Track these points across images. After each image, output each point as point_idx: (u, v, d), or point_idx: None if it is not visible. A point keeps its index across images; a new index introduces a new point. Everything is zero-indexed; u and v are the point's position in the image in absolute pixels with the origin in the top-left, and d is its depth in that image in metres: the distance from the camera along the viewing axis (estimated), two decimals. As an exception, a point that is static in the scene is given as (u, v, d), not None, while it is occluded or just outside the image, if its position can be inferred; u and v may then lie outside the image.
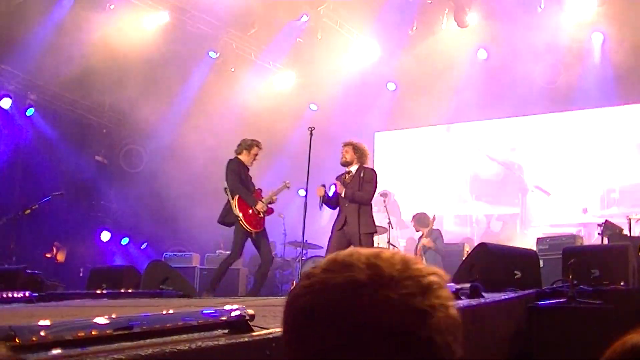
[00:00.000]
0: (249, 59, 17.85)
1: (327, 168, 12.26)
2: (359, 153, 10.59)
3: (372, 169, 10.80)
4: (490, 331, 5.48)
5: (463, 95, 16.97)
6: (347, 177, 10.51)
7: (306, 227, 11.06)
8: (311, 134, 10.54)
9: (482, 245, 8.19)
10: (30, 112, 16.19)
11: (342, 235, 10.26)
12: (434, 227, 14.42)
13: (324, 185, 10.42)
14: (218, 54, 17.42)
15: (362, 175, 10.42)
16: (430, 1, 16.62)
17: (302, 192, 13.51)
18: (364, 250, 1.40)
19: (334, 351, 1.29)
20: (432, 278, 1.37)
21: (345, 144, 10.69)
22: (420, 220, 14.57)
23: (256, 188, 11.24)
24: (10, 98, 15.61)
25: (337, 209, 10.56)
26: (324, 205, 10.54)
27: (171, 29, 16.20)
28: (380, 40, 17.31)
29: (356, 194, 10.26)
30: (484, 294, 5.71)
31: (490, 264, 7.39)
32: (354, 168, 10.55)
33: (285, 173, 14.39)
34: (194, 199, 16.72)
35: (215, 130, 16.86)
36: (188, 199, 16.96)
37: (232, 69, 17.80)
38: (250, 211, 10.83)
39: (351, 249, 1.46)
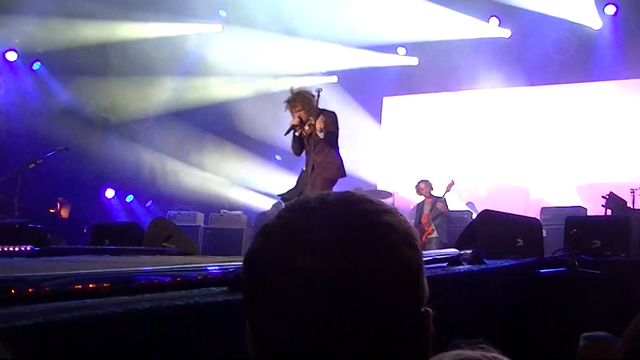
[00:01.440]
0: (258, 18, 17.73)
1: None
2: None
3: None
4: (490, 297, 5.49)
5: (473, 62, 16.89)
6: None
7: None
8: (319, 96, 10.35)
9: (485, 212, 8.17)
10: (36, 66, 16.17)
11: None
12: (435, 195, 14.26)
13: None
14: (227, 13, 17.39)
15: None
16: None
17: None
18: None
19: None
20: None
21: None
22: (428, 185, 14.36)
23: None
24: (16, 52, 15.59)
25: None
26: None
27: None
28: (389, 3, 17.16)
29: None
30: (485, 260, 5.71)
31: (493, 231, 7.38)
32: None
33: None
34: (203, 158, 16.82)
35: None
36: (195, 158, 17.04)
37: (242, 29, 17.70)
38: None
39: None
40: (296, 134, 9.53)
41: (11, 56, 15.66)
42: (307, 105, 9.39)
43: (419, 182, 14.49)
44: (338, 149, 9.71)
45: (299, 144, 9.58)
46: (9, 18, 15.07)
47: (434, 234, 13.64)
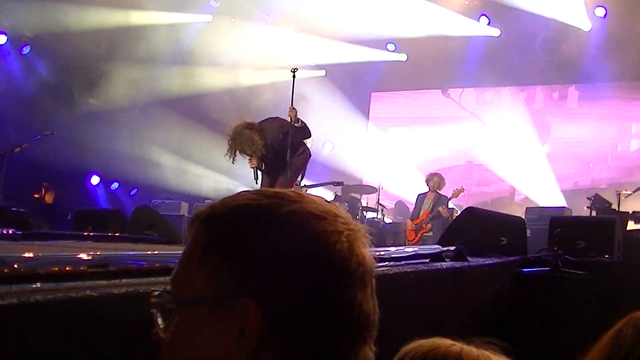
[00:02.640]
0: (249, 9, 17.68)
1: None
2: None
3: None
4: (473, 295, 5.48)
5: (462, 60, 16.94)
6: None
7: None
8: (294, 76, 10.37)
9: (469, 209, 8.16)
10: (26, 50, 16.09)
11: None
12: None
13: None
14: (218, 3, 17.34)
15: None
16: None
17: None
18: None
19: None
20: None
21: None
22: (441, 180, 13.67)
23: None
24: (6, 35, 15.50)
25: None
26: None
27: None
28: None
29: None
30: (468, 258, 5.69)
31: (477, 228, 7.35)
32: None
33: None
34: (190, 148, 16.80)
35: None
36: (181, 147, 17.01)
37: (232, 20, 17.65)
38: None
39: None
40: (259, 168, 9.97)
41: (0, 39, 15.56)
42: (248, 144, 9.59)
43: (433, 175, 13.83)
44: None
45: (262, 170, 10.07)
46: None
47: (430, 233, 13.18)
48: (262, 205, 1.32)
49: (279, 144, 9.75)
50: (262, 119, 10.11)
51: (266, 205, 1.32)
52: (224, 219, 1.33)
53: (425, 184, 13.82)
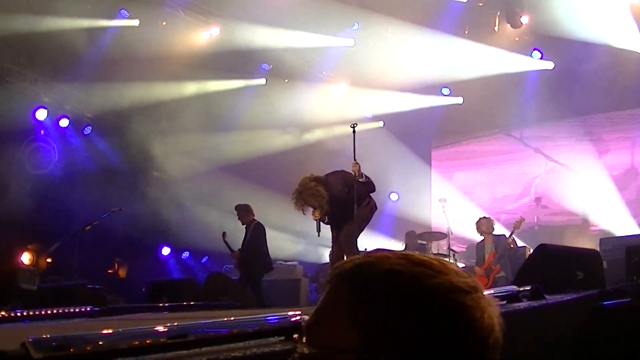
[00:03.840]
0: (301, 69, 17.88)
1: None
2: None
3: None
4: (552, 332, 5.39)
5: (518, 97, 16.85)
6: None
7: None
8: (354, 131, 10.41)
9: (541, 246, 8.03)
10: (87, 130, 16.49)
11: None
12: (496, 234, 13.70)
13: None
14: (270, 65, 17.56)
15: None
16: (481, 4, 16.54)
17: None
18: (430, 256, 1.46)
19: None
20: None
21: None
22: (490, 222, 13.75)
23: None
24: (68, 118, 15.91)
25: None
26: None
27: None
28: (431, 44, 17.17)
29: None
30: (545, 295, 5.60)
31: (550, 265, 7.24)
32: None
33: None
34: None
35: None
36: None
37: (286, 80, 17.85)
38: None
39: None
40: (322, 221, 10.08)
41: (63, 122, 15.98)
42: (313, 198, 9.73)
43: (480, 219, 13.90)
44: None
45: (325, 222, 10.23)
46: (60, 86, 15.44)
47: (502, 273, 13.10)
48: (413, 274, 1.38)
49: (343, 196, 9.80)
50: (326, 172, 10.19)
51: (416, 274, 1.38)
52: (376, 280, 1.39)
53: (477, 230, 13.82)
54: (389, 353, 1.33)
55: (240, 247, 13.22)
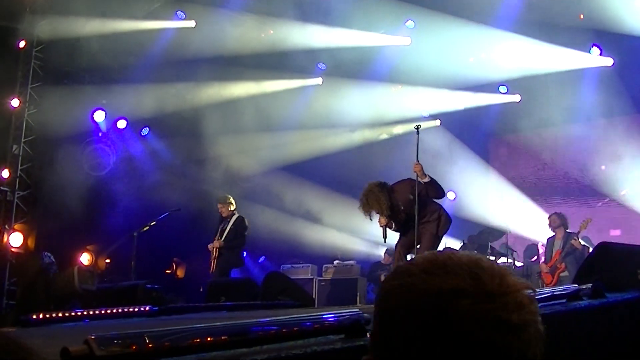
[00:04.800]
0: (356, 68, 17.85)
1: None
2: None
3: None
4: (613, 331, 5.29)
5: (577, 94, 16.61)
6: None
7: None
8: (418, 132, 10.35)
9: (602, 244, 7.90)
10: (145, 131, 16.66)
11: None
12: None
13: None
14: (326, 65, 17.58)
15: None
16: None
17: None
18: (464, 256, 1.42)
19: (422, 354, 1.32)
20: (526, 293, 1.40)
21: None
22: (562, 218, 13.43)
23: None
24: (126, 120, 16.10)
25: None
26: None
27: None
28: (488, 42, 17.00)
29: None
30: (606, 294, 5.51)
31: (612, 263, 7.11)
32: None
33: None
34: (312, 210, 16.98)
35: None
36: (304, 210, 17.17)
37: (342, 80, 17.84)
38: None
39: (448, 251, 1.47)
40: (388, 227, 10.18)
41: (121, 124, 16.19)
42: (376, 203, 9.81)
43: (551, 214, 13.65)
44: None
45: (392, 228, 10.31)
46: (117, 88, 15.61)
47: (566, 272, 12.78)
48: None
49: (409, 205, 9.78)
50: (382, 174, 10.20)
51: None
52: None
53: (549, 226, 13.57)
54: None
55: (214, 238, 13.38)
